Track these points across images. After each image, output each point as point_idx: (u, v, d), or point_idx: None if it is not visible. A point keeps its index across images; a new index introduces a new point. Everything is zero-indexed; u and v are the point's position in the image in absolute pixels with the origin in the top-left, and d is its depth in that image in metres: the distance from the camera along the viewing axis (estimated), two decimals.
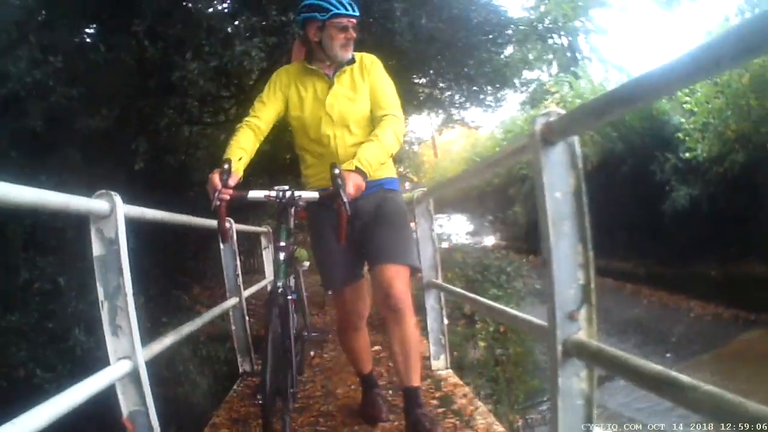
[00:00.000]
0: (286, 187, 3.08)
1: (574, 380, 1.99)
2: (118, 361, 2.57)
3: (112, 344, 2.61)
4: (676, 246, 12.70)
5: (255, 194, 3.06)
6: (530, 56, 17.39)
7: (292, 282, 3.39)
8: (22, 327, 5.92)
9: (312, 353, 3.38)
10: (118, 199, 2.56)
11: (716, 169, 11.50)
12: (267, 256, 7.79)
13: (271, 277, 8.19)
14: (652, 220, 13.33)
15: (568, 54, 28.30)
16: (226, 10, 8.24)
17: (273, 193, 3.04)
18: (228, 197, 2.88)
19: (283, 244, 3.06)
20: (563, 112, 2.00)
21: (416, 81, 14.30)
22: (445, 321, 4.97)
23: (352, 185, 2.80)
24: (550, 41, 27.55)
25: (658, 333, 11.08)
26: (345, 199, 2.73)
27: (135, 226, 3.79)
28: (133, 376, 2.58)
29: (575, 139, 2.00)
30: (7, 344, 5.77)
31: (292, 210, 3.10)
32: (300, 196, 3.04)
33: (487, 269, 10.60)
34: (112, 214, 2.54)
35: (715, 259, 11.79)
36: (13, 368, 5.64)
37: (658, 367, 1.54)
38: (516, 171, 20.56)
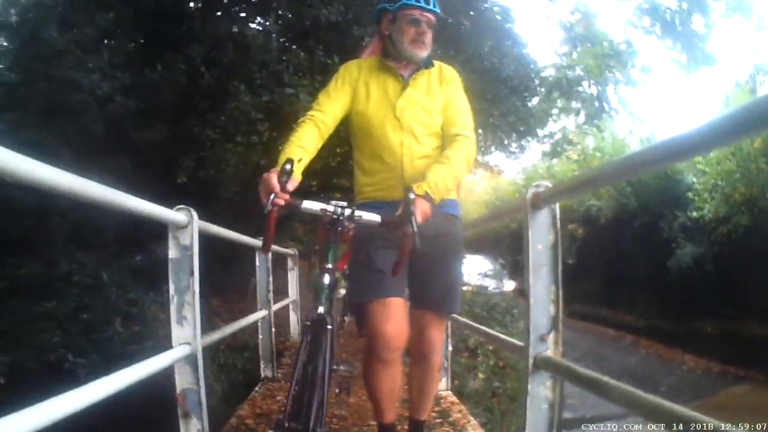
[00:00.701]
0: (345, 204, 2.72)
1: (541, 388, 2.64)
2: (180, 346, 3.06)
3: (176, 331, 3.10)
4: (678, 301, 13.29)
5: (310, 205, 2.67)
6: (555, 108, 17.96)
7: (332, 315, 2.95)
8: (57, 315, 6.46)
9: (338, 390, 3.27)
10: (194, 214, 3.02)
11: (721, 229, 12.03)
12: (291, 278, 8.29)
13: (294, 297, 8.68)
14: (657, 274, 13.91)
15: (596, 104, 28.99)
16: (274, 44, 8.77)
17: (330, 208, 2.66)
18: (283, 203, 2.52)
19: (330, 266, 2.68)
20: (549, 185, 2.66)
21: None
22: (450, 348, 5.29)
23: (420, 213, 2.46)
24: (579, 89, 28.42)
25: (649, 382, 11.59)
26: (415, 229, 2.38)
27: None
28: (191, 358, 3.02)
29: (557, 206, 2.67)
30: (42, 330, 6.31)
31: (345, 229, 2.72)
32: (360, 216, 2.64)
33: (494, 308, 11.15)
34: (189, 226, 3.02)
35: (713, 316, 12.33)
36: (44, 352, 6.15)
37: (602, 377, 2.17)
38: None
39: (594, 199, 17.39)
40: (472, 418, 4.58)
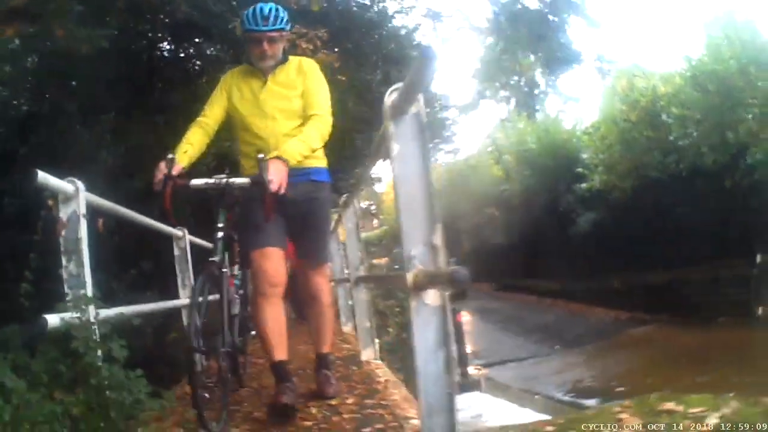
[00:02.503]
0: (224, 175, 3.32)
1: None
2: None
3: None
4: (584, 263, 15.09)
5: (197, 182, 3.32)
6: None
7: (227, 262, 3.50)
8: None
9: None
10: (80, 184, 3.15)
11: (612, 196, 13.80)
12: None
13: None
14: (564, 242, 15.80)
15: (525, 89, 30.65)
16: None
17: (212, 181, 3.28)
18: (168, 185, 3.17)
19: (221, 225, 3.28)
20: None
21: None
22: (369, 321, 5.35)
23: (274, 170, 3.04)
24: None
25: (557, 332, 13.51)
26: (267, 179, 3.00)
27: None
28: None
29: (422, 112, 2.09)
30: None
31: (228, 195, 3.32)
32: (234, 182, 3.26)
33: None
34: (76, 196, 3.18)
35: (617, 272, 14.03)
36: None
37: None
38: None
39: (507, 183, 19.33)
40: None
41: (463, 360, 11.37)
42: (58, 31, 6.40)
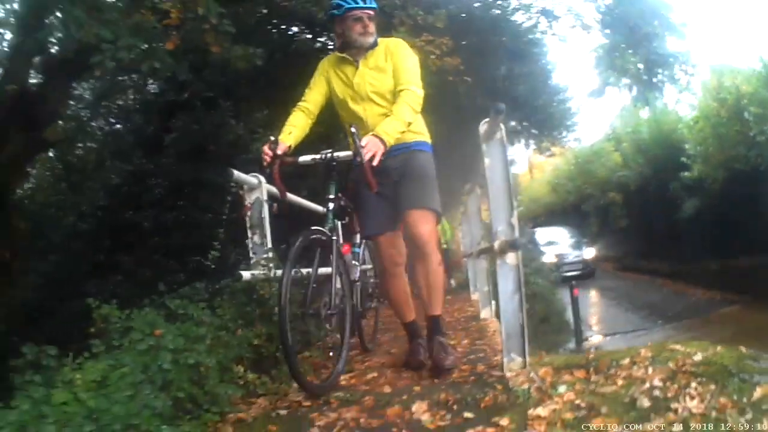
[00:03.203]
0: (329, 150, 3.51)
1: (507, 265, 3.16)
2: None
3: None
4: (688, 247, 16.46)
5: (305, 159, 3.52)
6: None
7: (339, 232, 3.80)
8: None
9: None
10: (262, 178, 4.32)
11: (710, 185, 14.85)
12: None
13: None
14: (671, 227, 17.10)
15: (644, 77, 31.26)
16: None
17: (318, 156, 3.47)
18: (276, 165, 3.42)
19: (332, 196, 3.47)
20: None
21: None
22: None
23: (368, 141, 3.17)
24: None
25: (662, 309, 14.85)
26: (360, 146, 3.14)
27: None
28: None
29: (503, 131, 3.22)
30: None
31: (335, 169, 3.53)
32: (338, 155, 3.46)
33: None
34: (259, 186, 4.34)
35: (714, 256, 15.19)
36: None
37: None
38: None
39: (624, 169, 20.53)
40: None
41: (578, 329, 12.55)
42: (214, 47, 6.69)
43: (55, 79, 8.25)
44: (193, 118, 9.34)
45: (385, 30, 6.96)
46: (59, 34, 7.35)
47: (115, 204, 9.70)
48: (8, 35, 9.29)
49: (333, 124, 4.31)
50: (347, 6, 3.52)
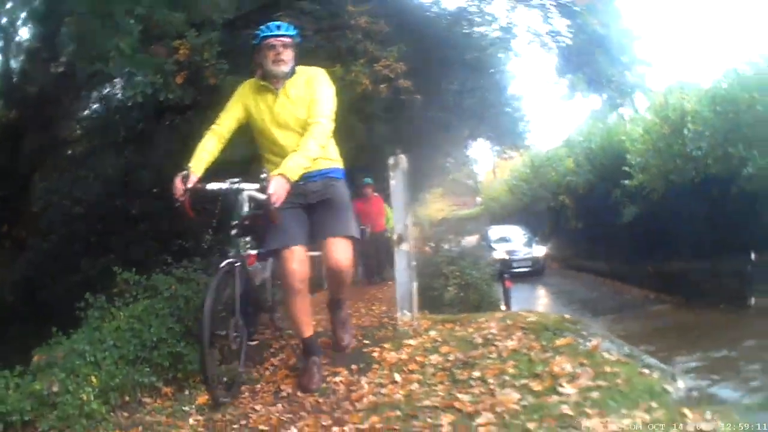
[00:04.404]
0: (237, 180, 3.65)
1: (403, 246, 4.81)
2: None
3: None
4: (627, 249, 17.85)
5: (212, 186, 3.64)
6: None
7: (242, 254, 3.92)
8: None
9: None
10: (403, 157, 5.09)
11: (648, 194, 15.98)
12: None
13: None
14: (613, 230, 18.38)
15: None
16: None
17: (226, 185, 3.61)
18: (185, 196, 3.52)
19: (235, 223, 3.72)
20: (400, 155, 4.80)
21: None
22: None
23: (275, 185, 3.28)
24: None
25: (594, 305, 16.35)
26: (268, 193, 3.29)
27: None
28: None
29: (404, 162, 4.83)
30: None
31: (243, 197, 3.81)
32: (244, 188, 3.68)
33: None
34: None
35: (650, 259, 16.53)
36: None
37: None
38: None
39: (573, 175, 21.86)
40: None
41: None
42: (212, 80, 7.39)
43: (69, 86, 9.03)
44: (182, 118, 10.17)
45: (348, 59, 8.30)
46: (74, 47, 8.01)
47: (107, 192, 10.64)
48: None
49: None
50: (262, 35, 3.72)
